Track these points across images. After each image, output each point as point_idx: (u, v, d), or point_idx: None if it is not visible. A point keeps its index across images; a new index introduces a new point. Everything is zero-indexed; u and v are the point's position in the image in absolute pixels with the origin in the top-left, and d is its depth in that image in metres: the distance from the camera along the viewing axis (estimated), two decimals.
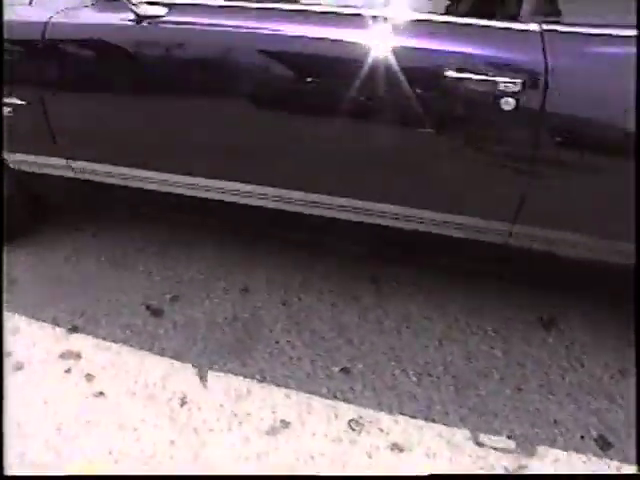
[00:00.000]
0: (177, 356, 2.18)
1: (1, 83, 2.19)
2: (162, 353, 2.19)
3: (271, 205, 2.11)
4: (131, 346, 2.22)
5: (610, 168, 1.80)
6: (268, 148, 2.05)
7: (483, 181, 1.94)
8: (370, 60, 1.85)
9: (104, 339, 2.25)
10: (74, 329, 2.29)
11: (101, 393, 2.06)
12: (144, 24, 2.06)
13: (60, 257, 2.64)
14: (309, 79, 1.92)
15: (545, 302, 2.38)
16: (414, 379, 2.09)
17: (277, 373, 2.11)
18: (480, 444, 1.90)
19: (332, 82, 1.92)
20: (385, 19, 1.92)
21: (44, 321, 2.33)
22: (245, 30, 1.98)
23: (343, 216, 2.05)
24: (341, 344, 2.21)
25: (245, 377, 2.10)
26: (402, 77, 1.83)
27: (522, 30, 1.82)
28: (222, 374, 2.11)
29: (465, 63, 1.81)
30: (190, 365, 2.14)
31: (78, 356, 2.20)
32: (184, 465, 1.83)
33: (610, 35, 1.75)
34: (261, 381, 2.08)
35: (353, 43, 1.89)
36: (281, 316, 2.32)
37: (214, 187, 2.16)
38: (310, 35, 1.93)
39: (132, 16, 2.06)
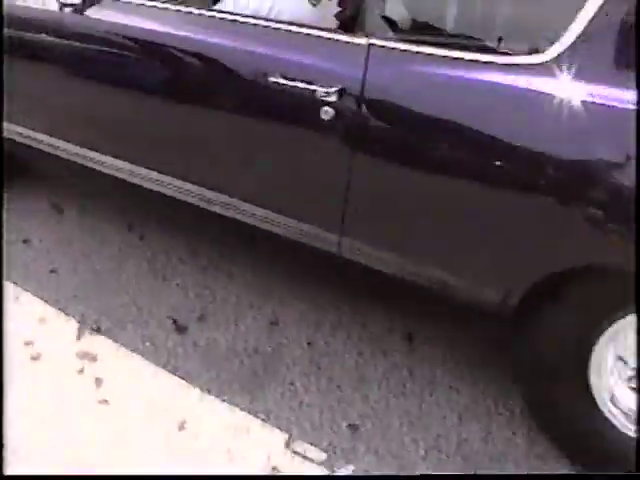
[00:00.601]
0: (188, 378, 2.14)
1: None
2: (174, 371, 2.16)
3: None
4: (147, 359, 2.21)
5: (423, 187, 1.82)
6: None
7: (308, 189, 2.03)
8: (193, 57, 2.12)
9: (124, 345, 2.25)
10: (97, 330, 2.31)
11: (105, 401, 2.06)
12: (65, 10, 2.32)
13: (105, 254, 2.66)
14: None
15: None
16: (422, 452, 1.97)
17: (283, 416, 2.04)
18: None
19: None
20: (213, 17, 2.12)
21: (72, 316, 2.35)
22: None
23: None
24: (356, 398, 2.11)
25: (249, 413, 2.04)
26: (229, 78, 2.06)
27: (348, 42, 1.86)
28: (227, 406, 2.06)
29: (289, 69, 1.90)
30: (198, 390, 2.10)
31: (94, 358, 2.20)
32: None
33: (438, 55, 1.75)
34: (265, 421, 2.02)
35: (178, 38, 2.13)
36: (303, 357, 2.24)
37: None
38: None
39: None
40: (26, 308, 2.37)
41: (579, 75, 1.58)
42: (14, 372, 2.07)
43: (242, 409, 2.05)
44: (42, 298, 2.43)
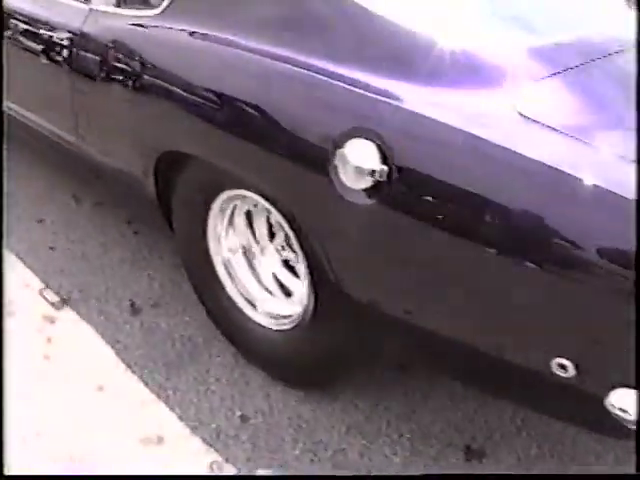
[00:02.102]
0: (123, 350, 2.44)
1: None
2: (114, 343, 2.47)
3: None
4: (96, 330, 2.52)
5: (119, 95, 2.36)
6: None
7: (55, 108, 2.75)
8: None
9: (81, 316, 2.58)
10: (66, 300, 2.65)
11: (47, 357, 2.39)
12: None
13: (99, 241, 3.01)
14: None
15: None
16: (297, 452, 2.12)
17: (187, 397, 2.27)
18: None
19: None
20: None
21: (52, 286, 2.72)
22: None
23: None
24: (259, 395, 2.29)
25: (160, 388, 2.30)
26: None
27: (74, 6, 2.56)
28: (143, 379, 2.33)
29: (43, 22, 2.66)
30: (124, 363, 2.39)
31: (53, 321, 2.55)
32: None
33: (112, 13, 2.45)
34: (168, 398, 2.27)
35: None
36: (228, 351, 2.43)
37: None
38: None
39: None
40: (17, 275, 2.75)
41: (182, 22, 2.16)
42: None
43: (155, 384, 2.31)
44: (33, 269, 2.80)
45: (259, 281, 2.35)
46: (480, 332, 1.70)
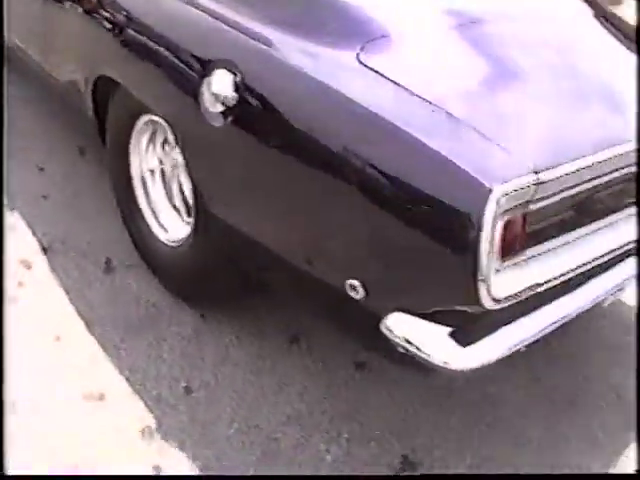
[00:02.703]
0: (88, 305, 2.48)
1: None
2: (81, 297, 2.51)
3: None
4: (67, 281, 2.58)
5: None
6: None
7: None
8: None
9: (57, 265, 2.65)
10: (45, 249, 2.71)
11: (15, 299, 2.46)
12: None
13: (95, 194, 3.02)
14: None
15: None
16: (230, 432, 2.13)
17: (138, 360, 2.31)
18: None
19: None
20: None
21: (36, 233, 2.78)
22: None
23: None
24: (209, 370, 2.31)
25: (114, 347, 2.33)
26: None
27: None
28: (100, 336, 2.36)
29: None
30: (84, 320, 2.43)
31: (29, 267, 2.62)
32: None
33: None
34: (119, 356, 2.30)
35: None
36: (189, 324, 2.47)
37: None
38: None
39: None
40: (5, 218, 2.82)
41: None
42: None
43: (110, 344, 2.35)
44: (22, 213, 2.86)
45: (169, 199, 2.57)
46: (297, 247, 1.98)
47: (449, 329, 1.63)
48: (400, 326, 1.66)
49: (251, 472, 2.04)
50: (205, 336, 2.44)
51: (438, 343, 1.63)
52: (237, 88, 1.90)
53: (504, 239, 1.52)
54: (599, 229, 1.81)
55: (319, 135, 1.77)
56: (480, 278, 1.51)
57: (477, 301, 1.54)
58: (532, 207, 1.57)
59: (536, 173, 1.54)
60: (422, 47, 1.93)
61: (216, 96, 1.93)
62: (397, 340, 1.67)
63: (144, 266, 2.67)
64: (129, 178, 2.59)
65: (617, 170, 1.76)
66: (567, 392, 2.38)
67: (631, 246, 1.90)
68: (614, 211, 1.86)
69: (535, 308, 1.74)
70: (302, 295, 2.16)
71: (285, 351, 2.42)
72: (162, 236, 2.53)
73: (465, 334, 1.64)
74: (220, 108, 1.93)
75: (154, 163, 2.55)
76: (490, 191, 1.47)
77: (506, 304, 1.59)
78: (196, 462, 2.04)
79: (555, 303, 1.77)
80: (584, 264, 1.76)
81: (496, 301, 1.56)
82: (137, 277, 2.64)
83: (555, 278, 1.69)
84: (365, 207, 1.68)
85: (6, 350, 2.23)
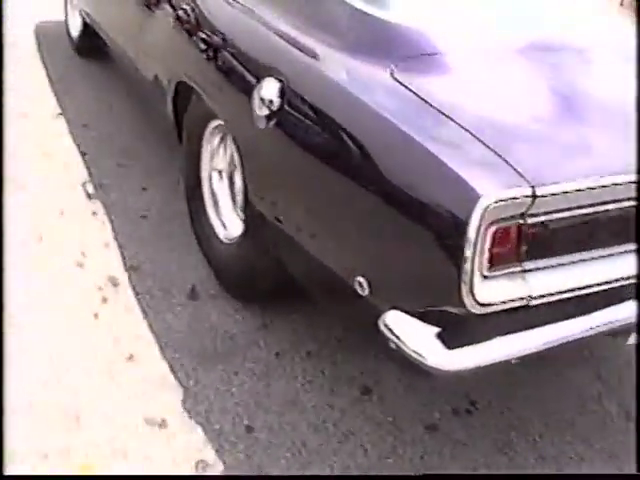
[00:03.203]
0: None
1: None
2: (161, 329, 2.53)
3: None
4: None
5: None
6: None
7: None
8: None
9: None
10: (135, 269, 2.76)
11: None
12: None
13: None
14: None
15: None
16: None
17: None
18: None
19: None
20: None
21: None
22: None
23: None
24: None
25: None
26: None
27: None
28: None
29: None
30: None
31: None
32: None
33: None
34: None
35: None
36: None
37: None
38: None
39: None
40: (99, 234, 2.96)
41: None
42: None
43: (181, 370, 2.34)
44: (119, 232, 2.97)
45: (232, 199, 2.72)
46: (320, 241, 2.11)
47: (437, 329, 1.70)
48: (394, 323, 1.74)
49: None
50: (276, 375, 2.39)
51: (424, 342, 1.70)
52: (282, 94, 2.08)
53: (494, 247, 1.60)
54: (603, 257, 1.81)
55: (345, 142, 1.91)
56: (464, 280, 1.59)
57: (461, 303, 1.61)
58: (530, 221, 1.62)
59: (532, 187, 1.57)
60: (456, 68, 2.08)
61: (263, 100, 2.13)
62: (389, 336, 1.74)
63: (228, 297, 2.67)
64: (199, 177, 2.78)
65: (622, 200, 1.76)
66: None
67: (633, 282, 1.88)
68: (620, 241, 1.85)
69: (535, 326, 1.75)
70: (317, 287, 2.28)
71: (356, 401, 2.34)
72: (221, 234, 2.70)
73: (454, 338, 1.69)
74: (266, 112, 2.12)
75: (222, 165, 2.72)
76: (479, 197, 1.54)
77: (493, 310, 1.65)
78: None
79: (557, 325, 1.77)
80: (585, 287, 1.77)
81: (481, 305, 1.62)
82: (219, 307, 2.64)
83: (550, 295, 1.72)
84: (375, 210, 1.82)
85: (82, 364, 2.30)
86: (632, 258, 1.83)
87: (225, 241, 2.66)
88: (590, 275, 1.77)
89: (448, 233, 1.62)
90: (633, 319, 1.85)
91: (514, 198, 1.56)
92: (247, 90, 2.23)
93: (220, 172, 2.73)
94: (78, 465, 1.98)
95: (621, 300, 1.83)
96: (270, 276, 2.47)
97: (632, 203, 1.76)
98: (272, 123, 2.11)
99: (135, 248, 2.86)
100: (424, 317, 1.71)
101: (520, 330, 1.71)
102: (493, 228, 1.57)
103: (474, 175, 1.59)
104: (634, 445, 2.32)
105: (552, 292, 1.71)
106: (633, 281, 1.83)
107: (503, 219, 1.58)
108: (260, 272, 2.49)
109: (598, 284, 1.77)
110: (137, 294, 2.63)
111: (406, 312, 1.73)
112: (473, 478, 1.95)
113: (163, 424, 2.16)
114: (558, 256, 1.73)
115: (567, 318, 1.76)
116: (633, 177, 1.72)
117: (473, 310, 1.61)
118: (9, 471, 1.89)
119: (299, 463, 2.12)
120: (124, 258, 2.80)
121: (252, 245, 2.47)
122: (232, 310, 2.63)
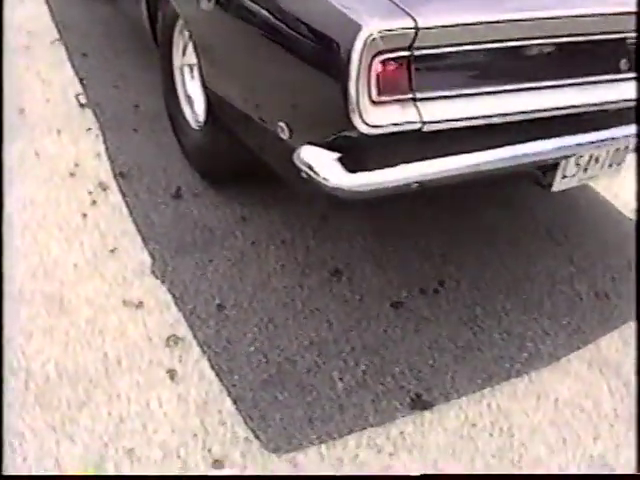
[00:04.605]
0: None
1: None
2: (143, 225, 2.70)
3: None
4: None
5: None
6: None
7: None
8: None
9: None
10: (124, 175, 2.94)
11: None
12: None
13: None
14: None
15: None
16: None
17: None
18: None
19: None
20: None
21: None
22: None
23: None
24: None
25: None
26: None
27: None
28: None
29: None
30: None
31: None
32: None
33: None
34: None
35: None
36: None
37: None
38: None
39: None
40: (90, 144, 3.14)
41: None
42: None
43: (160, 259, 2.53)
44: (110, 143, 3.15)
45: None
46: (251, 100, 2.36)
47: (338, 155, 1.87)
48: (304, 155, 1.92)
49: (256, 391, 2.13)
50: (251, 261, 2.56)
51: (327, 165, 1.88)
52: None
53: (381, 77, 1.77)
54: (498, 92, 1.94)
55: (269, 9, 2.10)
56: (352, 104, 1.77)
57: (352, 126, 1.79)
58: (417, 53, 1.78)
59: (414, 20, 1.73)
60: None
61: None
62: (301, 166, 1.92)
63: (210, 195, 2.85)
64: (172, 74, 3.01)
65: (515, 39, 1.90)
66: None
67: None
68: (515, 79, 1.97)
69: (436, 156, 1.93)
70: (257, 145, 2.47)
71: (325, 282, 2.49)
72: (192, 122, 2.92)
73: (355, 162, 1.87)
74: None
75: (192, 60, 2.87)
76: (360, 28, 1.71)
77: (384, 131, 1.82)
78: (208, 371, 2.16)
79: (458, 156, 1.94)
80: (480, 117, 1.91)
81: (371, 126, 1.80)
82: (201, 205, 2.81)
83: (443, 121, 1.86)
84: (282, 56, 2.03)
85: (68, 257, 2.49)
86: (530, 95, 1.95)
87: (196, 127, 2.88)
88: (485, 107, 1.89)
89: (338, 65, 1.77)
90: (536, 157, 2.02)
91: (395, 29, 1.72)
92: None
93: (190, 66, 2.92)
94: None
95: (525, 138, 1.96)
96: (233, 153, 2.67)
97: (515, 44, 1.88)
98: (212, 2, 2.31)
99: (125, 158, 3.03)
100: (329, 147, 1.89)
101: (420, 159, 1.87)
102: (379, 58, 1.74)
103: (360, 11, 1.76)
104: (600, 320, 2.43)
105: (444, 119, 1.85)
106: (525, 117, 1.96)
107: (388, 50, 1.74)
108: (225, 151, 2.71)
109: (490, 116, 1.89)
110: (124, 196, 2.81)
111: (317, 145, 1.91)
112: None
113: (140, 305, 2.35)
114: (451, 89, 1.87)
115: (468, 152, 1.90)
116: (515, 15, 1.83)
117: (364, 131, 1.79)
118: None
119: (265, 337, 2.28)
120: (114, 166, 2.98)
121: (214, 125, 2.68)
122: (213, 207, 2.80)
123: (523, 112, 1.93)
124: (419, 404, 2.12)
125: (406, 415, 2.09)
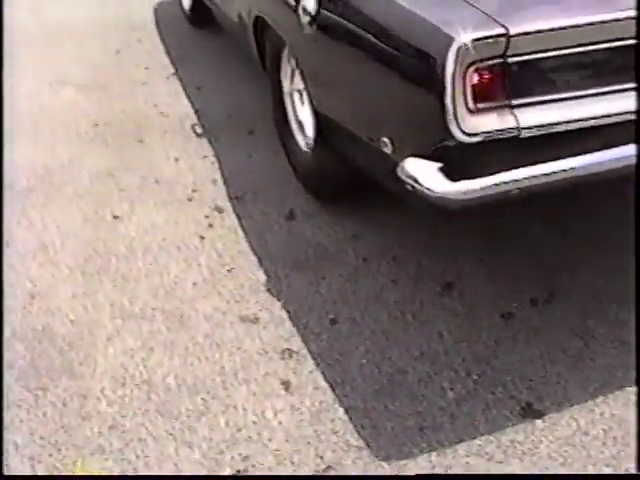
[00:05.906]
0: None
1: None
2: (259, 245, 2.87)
3: None
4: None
5: None
6: None
7: None
8: None
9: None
10: (239, 198, 3.12)
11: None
12: None
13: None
14: None
15: None
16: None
17: None
18: None
19: None
20: None
21: None
22: None
23: None
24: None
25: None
26: None
27: None
28: None
29: None
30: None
31: None
32: None
33: None
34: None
35: None
36: None
37: None
38: None
39: None
40: (205, 168, 3.37)
41: None
42: None
43: (274, 276, 2.68)
44: (225, 169, 3.37)
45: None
46: (357, 119, 2.52)
47: (440, 165, 1.99)
48: (408, 168, 2.03)
49: (368, 401, 2.21)
50: (363, 277, 2.66)
51: (430, 175, 1.99)
52: (319, 3, 2.46)
53: (477, 85, 1.88)
54: (596, 95, 1.99)
55: (366, 28, 2.25)
56: (449, 113, 1.88)
57: (450, 134, 1.91)
58: (512, 60, 1.88)
59: (505, 28, 1.84)
60: None
61: (303, 9, 2.52)
62: (406, 179, 2.03)
63: (323, 216, 2.99)
64: (282, 99, 3.21)
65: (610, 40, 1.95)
66: None
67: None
68: (613, 82, 2.01)
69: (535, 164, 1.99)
70: (359, 157, 2.65)
71: (437, 296, 2.56)
72: (302, 143, 3.11)
73: (457, 172, 1.97)
74: (307, 19, 2.50)
75: (300, 85, 3.03)
76: (452, 39, 1.84)
77: (483, 139, 1.93)
78: (321, 382, 2.27)
79: (555, 162, 1.98)
80: (577, 121, 1.97)
81: (468, 135, 1.91)
82: (313, 225, 2.95)
83: (540, 127, 1.95)
84: (381, 73, 2.18)
85: (187, 277, 2.68)
86: (630, 96, 1.97)
87: (306, 150, 3.05)
88: (582, 111, 1.94)
89: (434, 77, 1.89)
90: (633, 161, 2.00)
91: (487, 37, 1.83)
92: (294, 7, 2.61)
93: (299, 91, 3.07)
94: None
95: (622, 142, 1.98)
96: (344, 173, 2.81)
97: (606, 45, 1.93)
98: (314, 27, 2.47)
99: (240, 182, 3.22)
100: (431, 158, 2.00)
101: (519, 166, 1.94)
102: (474, 67, 1.85)
103: (450, 23, 1.89)
104: None
105: (540, 124, 1.92)
106: (631, 117, 1.98)
107: (482, 59, 1.85)
108: (335, 170, 2.86)
109: (588, 119, 1.94)
110: (239, 218, 2.99)
111: (417, 157, 2.03)
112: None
113: (255, 321, 2.50)
114: (545, 94, 1.95)
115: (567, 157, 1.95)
116: (609, 16, 1.88)
117: (463, 140, 1.91)
118: None
119: (377, 349, 2.37)
120: (229, 190, 3.17)
121: (324, 147, 2.84)
122: (325, 226, 2.93)
123: (619, 114, 1.97)
124: (530, 413, 2.15)
125: (517, 424, 2.11)
